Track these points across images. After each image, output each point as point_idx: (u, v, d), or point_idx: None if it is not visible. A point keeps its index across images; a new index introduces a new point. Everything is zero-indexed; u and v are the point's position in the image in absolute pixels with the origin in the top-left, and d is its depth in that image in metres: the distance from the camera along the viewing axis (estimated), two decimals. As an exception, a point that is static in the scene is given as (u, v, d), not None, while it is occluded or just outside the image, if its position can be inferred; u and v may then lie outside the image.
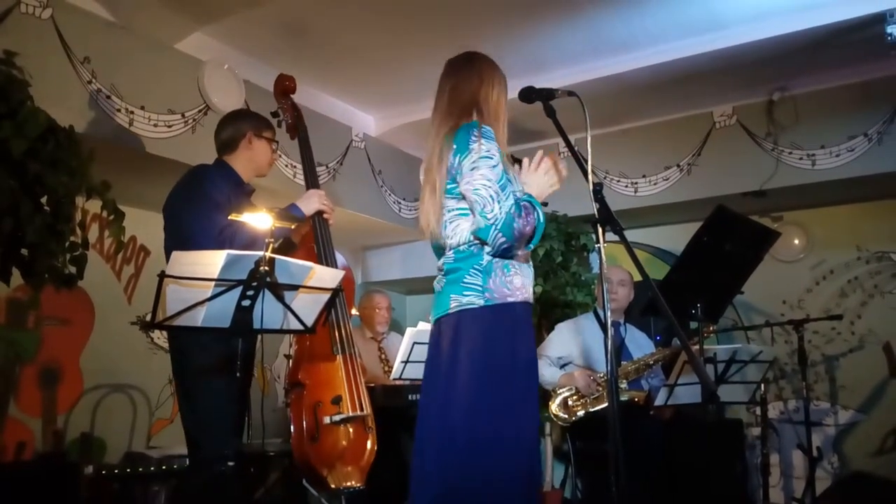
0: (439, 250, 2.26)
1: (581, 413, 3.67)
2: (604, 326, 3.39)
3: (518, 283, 2.14)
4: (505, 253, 2.11)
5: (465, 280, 2.12)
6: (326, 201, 3.09)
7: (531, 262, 2.28)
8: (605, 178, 5.02)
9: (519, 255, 2.16)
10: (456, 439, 2.01)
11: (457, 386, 2.05)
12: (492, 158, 2.08)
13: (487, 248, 2.10)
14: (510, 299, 2.11)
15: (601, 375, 3.68)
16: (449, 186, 2.15)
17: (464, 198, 2.13)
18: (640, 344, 3.96)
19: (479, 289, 2.10)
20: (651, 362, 3.72)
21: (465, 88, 2.24)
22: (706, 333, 3.46)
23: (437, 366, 2.14)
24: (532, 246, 2.19)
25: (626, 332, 3.97)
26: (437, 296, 2.21)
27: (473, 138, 2.09)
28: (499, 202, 2.04)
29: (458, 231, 2.16)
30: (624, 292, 3.89)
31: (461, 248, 2.15)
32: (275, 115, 3.33)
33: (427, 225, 2.22)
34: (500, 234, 2.04)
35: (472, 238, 2.13)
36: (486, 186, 2.05)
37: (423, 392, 2.19)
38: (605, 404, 3.51)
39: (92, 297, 4.03)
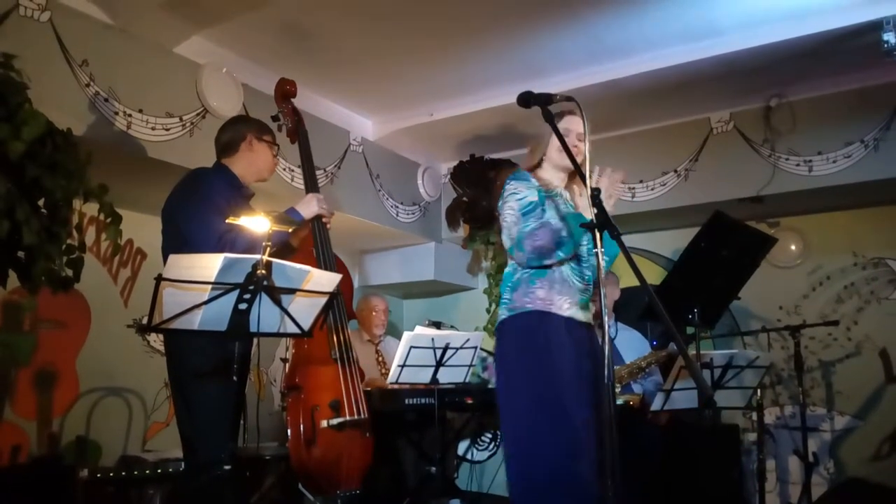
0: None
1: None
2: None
3: (542, 294, 2.37)
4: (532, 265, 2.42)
5: (503, 296, 2.46)
6: (325, 205, 3.09)
7: (581, 280, 2.45)
8: (602, 183, 5.01)
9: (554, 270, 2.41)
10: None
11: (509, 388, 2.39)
12: (517, 193, 2.43)
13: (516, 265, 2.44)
14: (529, 307, 2.37)
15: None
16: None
17: None
18: (631, 344, 3.96)
19: (507, 301, 2.43)
20: (644, 365, 3.72)
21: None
22: (702, 338, 3.47)
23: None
24: (562, 256, 2.39)
25: (617, 332, 3.97)
26: None
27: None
28: (516, 225, 2.38)
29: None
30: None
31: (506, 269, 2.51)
32: (275, 118, 3.34)
33: None
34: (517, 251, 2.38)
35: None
36: (511, 214, 2.42)
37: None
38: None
39: (88, 300, 4.02)
